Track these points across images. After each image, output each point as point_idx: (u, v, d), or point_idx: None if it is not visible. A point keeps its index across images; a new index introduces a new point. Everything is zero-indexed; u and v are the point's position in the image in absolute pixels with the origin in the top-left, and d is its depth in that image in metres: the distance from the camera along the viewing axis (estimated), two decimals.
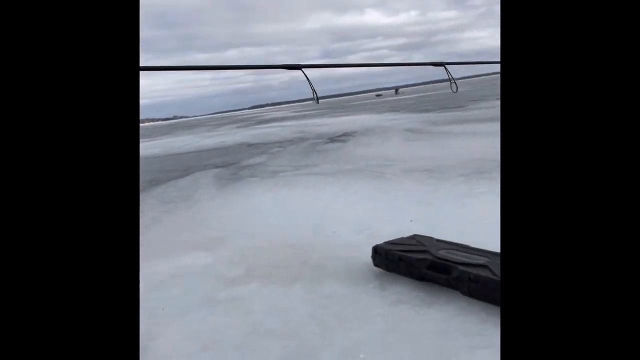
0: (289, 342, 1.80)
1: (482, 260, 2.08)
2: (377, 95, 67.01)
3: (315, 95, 1.80)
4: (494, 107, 14.15)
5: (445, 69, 1.51)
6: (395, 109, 21.44)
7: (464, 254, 2.21)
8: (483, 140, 7.54)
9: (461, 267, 2.02)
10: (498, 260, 2.05)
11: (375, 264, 2.45)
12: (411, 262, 2.24)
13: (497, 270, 1.93)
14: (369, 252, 2.46)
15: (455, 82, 1.53)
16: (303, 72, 1.72)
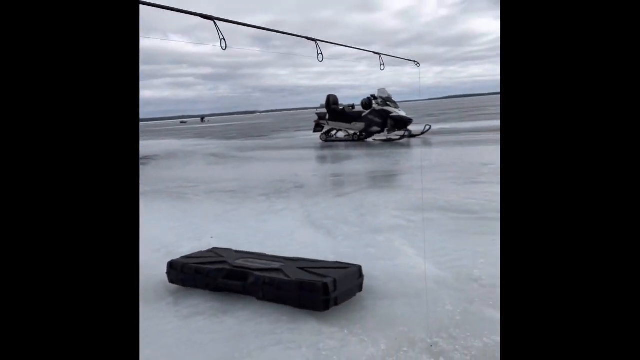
0: None
1: (276, 265, 2.16)
2: (182, 122, 65.31)
3: None
4: (293, 137, 15.26)
5: (215, 24, 1.56)
6: (200, 135, 21.16)
7: (260, 261, 2.26)
8: (283, 164, 8.03)
9: (257, 273, 2.06)
10: (291, 264, 2.16)
11: (171, 280, 2.30)
12: (208, 274, 2.18)
13: (290, 273, 2.02)
14: (165, 270, 2.31)
15: (224, 40, 1.60)
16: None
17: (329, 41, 2.44)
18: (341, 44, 2.71)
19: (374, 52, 2.77)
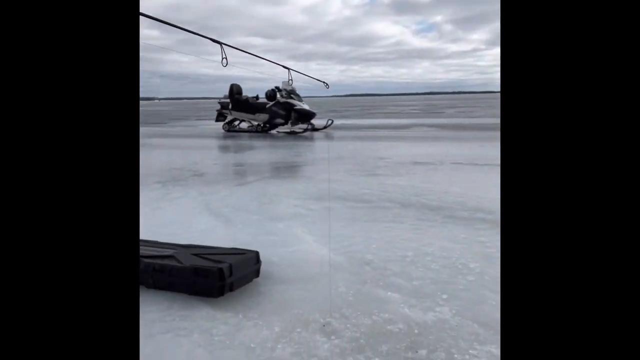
0: None
1: (169, 251, 2.05)
2: None
3: None
4: (194, 126, 14.69)
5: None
6: None
7: (151, 248, 2.13)
8: (182, 153, 7.68)
9: (147, 260, 1.94)
10: (184, 251, 2.07)
11: None
12: None
13: (183, 259, 1.94)
14: None
15: None
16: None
17: (237, 47, 2.35)
18: (249, 52, 2.65)
19: (285, 67, 2.78)
